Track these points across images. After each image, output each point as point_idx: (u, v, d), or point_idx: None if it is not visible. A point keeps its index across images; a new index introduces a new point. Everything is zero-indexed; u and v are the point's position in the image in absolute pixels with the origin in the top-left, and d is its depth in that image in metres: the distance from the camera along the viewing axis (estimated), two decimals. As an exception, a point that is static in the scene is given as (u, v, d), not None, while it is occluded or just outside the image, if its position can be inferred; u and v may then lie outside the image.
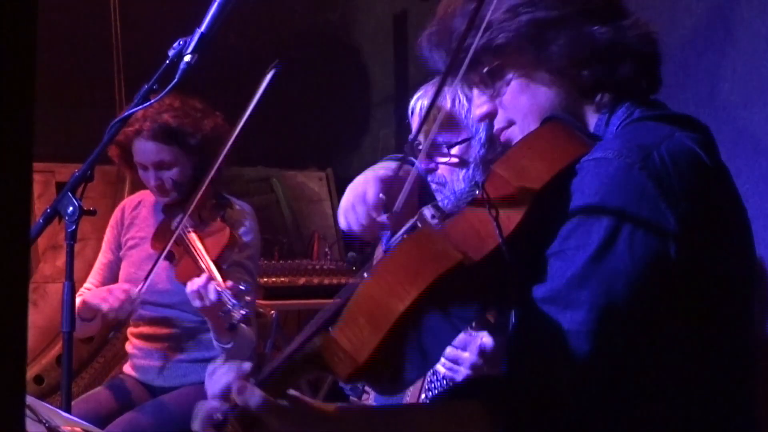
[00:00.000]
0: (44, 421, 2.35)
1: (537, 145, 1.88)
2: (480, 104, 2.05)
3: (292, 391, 1.80)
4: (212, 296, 3.48)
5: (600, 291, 1.71)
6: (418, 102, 3.07)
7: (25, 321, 0.92)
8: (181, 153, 3.92)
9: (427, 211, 2.85)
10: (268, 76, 3.49)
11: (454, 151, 2.93)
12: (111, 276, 4.15)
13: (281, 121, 5.38)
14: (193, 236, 3.81)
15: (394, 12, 5.87)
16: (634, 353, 1.77)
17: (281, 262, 5.29)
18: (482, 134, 2.99)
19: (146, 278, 3.79)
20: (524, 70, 1.95)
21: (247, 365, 1.82)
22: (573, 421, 1.76)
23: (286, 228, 5.67)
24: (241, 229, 3.99)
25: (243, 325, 3.69)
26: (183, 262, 3.76)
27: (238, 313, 3.41)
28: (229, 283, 3.52)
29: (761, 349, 2.03)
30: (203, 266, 3.65)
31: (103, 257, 4.19)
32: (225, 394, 1.79)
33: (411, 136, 3.08)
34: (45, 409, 2.38)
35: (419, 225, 2.06)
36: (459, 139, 2.92)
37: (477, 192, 1.81)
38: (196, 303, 3.55)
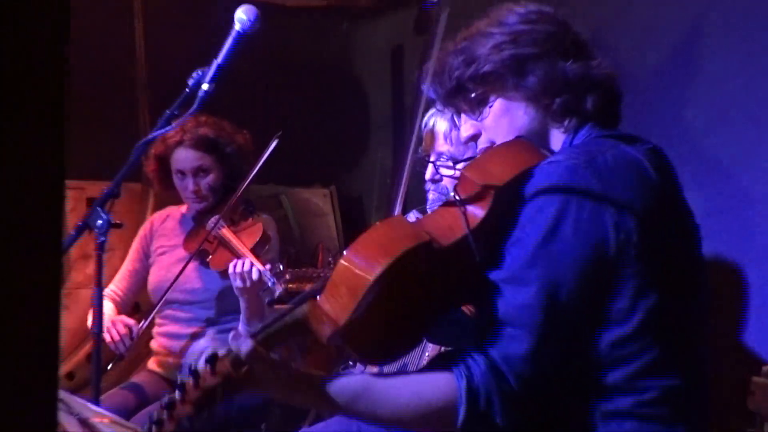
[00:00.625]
0: (76, 413, 2.34)
1: (500, 152, 2.02)
2: (467, 128, 2.16)
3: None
4: (254, 276, 3.58)
5: (548, 270, 1.80)
6: (431, 119, 3.13)
7: (58, 323, 0.92)
8: (216, 161, 4.00)
9: (412, 215, 2.92)
10: (272, 145, 3.64)
11: (459, 166, 2.98)
12: (134, 283, 4.18)
13: (289, 144, 5.38)
14: (226, 231, 3.84)
15: (391, 45, 5.89)
16: (582, 325, 1.85)
17: (289, 269, 5.29)
18: None
19: (176, 278, 3.87)
20: (505, 97, 2.06)
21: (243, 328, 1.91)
22: (532, 387, 1.81)
23: (294, 239, 5.66)
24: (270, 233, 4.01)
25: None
26: (218, 252, 3.82)
27: (277, 288, 3.46)
28: (268, 265, 3.60)
29: (704, 339, 2.03)
30: (241, 253, 3.69)
31: (129, 265, 4.19)
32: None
33: (421, 148, 3.14)
34: (76, 402, 2.38)
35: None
36: (464, 157, 2.99)
37: (451, 194, 1.95)
38: (238, 283, 3.63)
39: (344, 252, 1.85)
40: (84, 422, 2.35)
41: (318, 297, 1.85)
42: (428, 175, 3.17)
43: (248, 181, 3.81)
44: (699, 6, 3.74)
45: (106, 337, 3.71)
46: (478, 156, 2.03)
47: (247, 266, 3.58)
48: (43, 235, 0.88)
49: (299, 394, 1.90)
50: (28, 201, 0.86)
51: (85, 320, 3.87)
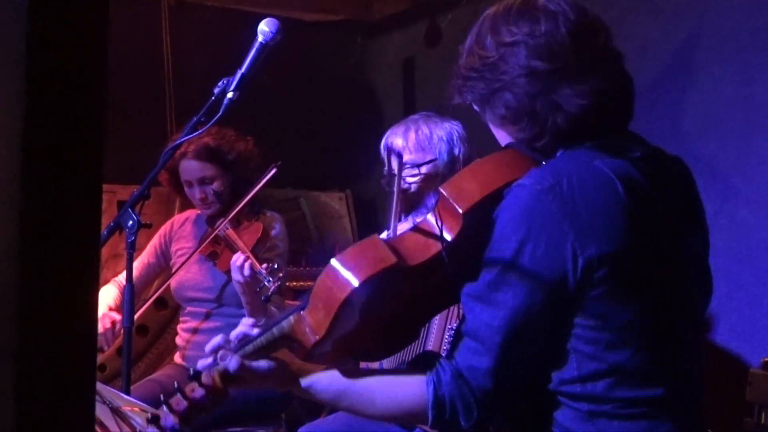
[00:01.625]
0: (107, 402, 2.35)
1: (478, 170, 1.94)
2: None
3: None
4: (247, 272, 3.57)
5: (509, 295, 1.77)
6: (389, 140, 3.28)
7: (95, 316, 0.92)
8: (220, 169, 3.99)
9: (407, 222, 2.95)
10: (270, 173, 3.70)
11: (423, 170, 3.14)
12: (145, 275, 4.23)
13: (307, 149, 5.40)
14: (231, 233, 3.86)
15: (403, 57, 5.90)
16: (548, 343, 1.81)
17: (307, 268, 5.33)
18: (445, 155, 3.17)
19: (178, 268, 3.95)
20: (489, 120, 1.99)
21: (235, 334, 2.02)
22: (496, 398, 1.82)
23: (311, 240, 5.67)
24: (273, 232, 4.02)
25: (273, 308, 3.80)
26: (224, 255, 3.82)
27: (272, 286, 3.48)
28: (264, 264, 3.59)
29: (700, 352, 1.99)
30: (242, 251, 3.72)
31: (145, 258, 4.22)
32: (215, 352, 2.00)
33: (385, 170, 3.23)
34: (108, 391, 2.38)
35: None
36: (425, 160, 3.14)
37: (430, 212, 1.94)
38: (236, 276, 3.64)
39: (324, 268, 1.89)
40: (115, 411, 2.35)
41: (303, 310, 1.91)
42: (395, 188, 3.28)
43: (250, 195, 3.87)
44: (694, 18, 3.74)
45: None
46: (459, 172, 1.97)
47: (240, 261, 3.60)
48: (82, 235, 0.88)
49: (290, 388, 1.98)
50: (70, 203, 0.86)
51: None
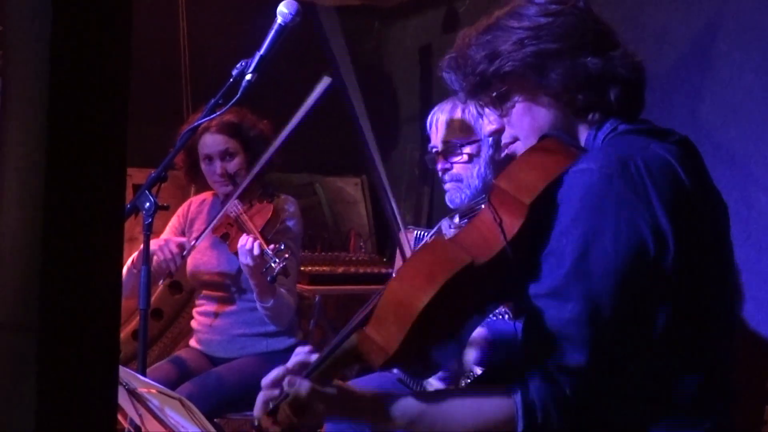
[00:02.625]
0: (124, 383, 2.35)
1: (531, 160, 1.89)
2: (490, 122, 2.06)
3: (336, 381, 1.85)
4: (256, 251, 3.56)
5: (590, 285, 1.71)
6: (434, 116, 3.15)
7: (119, 298, 0.92)
8: (241, 145, 4.00)
9: (445, 223, 2.88)
10: (323, 86, 3.53)
11: (466, 150, 3.03)
12: None
13: (324, 135, 5.40)
14: (243, 216, 3.85)
15: (420, 44, 5.88)
16: (626, 336, 1.76)
17: (323, 253, 5.33)
18: (489, 139, 3.07)
19: (197, 239, 3.87)
20: (527, 95, 1.96)
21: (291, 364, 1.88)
22: (588, 396, 1.76)
23: (327, 225, 5.67)
24: (285, 214, 4.02)
25: (282, 290, 3.81)
26: (236, 236, 3.81)
27: (277, 266, 3.47)
28: (272, 245, 3.59)
29: (736, 338, 2.00)
30: (251, 233, 3.72)
31: (165, 237, 4.21)
32: (277, 384, 1.87)
33: (430, 145, 3.15)
34: (124, 373, 2.39)
35: (446, 230, 2.10)
36: (470, 140, 3.02)
37: (483, 205, 1.88)
38: (242, 260, 3.63)
39: (388, 282, 1.80)
40: (132, 392, 2.35)
41: (365, 327, 1.80)
42: (439, 165, 3.17)
43: (266, 158, 3.73)
44: (713, 5, 3.71)
45: (158, 255, 3.73)
46: (509, 165, 1.94)
47: (249, 244, 3.59)
48: (105, 217, 0.88)
49: (362, 418, 1.90)
50: (93, 185, 0.86)
51: (131, 299, 3.88)
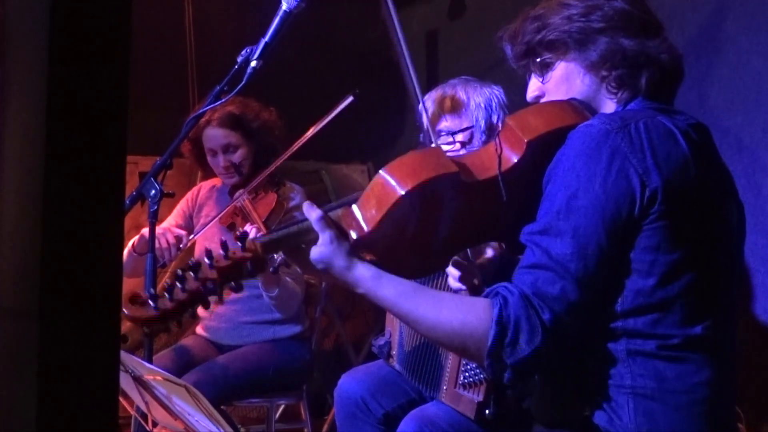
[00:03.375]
0: (130, 370, 2.35)
1: (544, 107, 2.08)
2: (533, 88, 2.17)
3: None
4: None
5: (580, 221, 1.84)
6: (427, 103, 3.13)
7: (120, 281, 0.91)
8: (244, 137, 4.00)
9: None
10: (347, 102, 3.60)
11: (459, 137, 3.03)
12: None
13: (330, 122, 5.41)
14: (248, 205, 3.86)
15: (426, 30, 5.87)
16: (610, 274, 1.87)
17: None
18: (482, 123, 3.07)
19: (195, 234, 3.93)
20: (566, 64, 2.09)
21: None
22: (562, 326, 1.83)
23: (333, 213, 5.68)
24: (290, 203, 4.02)
25: (288, 279, 3.82)
26: (241, 227, 3.81)
27: (279, 257, 3.48)
28: None
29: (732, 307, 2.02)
30: (255, 222, 3.75)
31: (173, 220, 4.20)
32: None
33: (420, 133, 3.16)
34: (131, 360, 2.39)
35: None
36: (461, 128, 3.02)
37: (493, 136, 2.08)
38: None
39: (381, 169, 1.95)
40: (137, 379, 2.36)
41: (353, 204, 1.98)
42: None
43: (282, 158, 3.83)
44: (722, -10, 3.70)
45: (156, 244, 3.74)
46: (525, 108, 2.08)
47: (254, 232, 3.60)
48: (105, 203, 0.87)
49: (355, 274, 1.97)
50: (93, 172, 0.86)
51: (137, 286, 3.88)
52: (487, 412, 2.73)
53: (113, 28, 0.88)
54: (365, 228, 1.94)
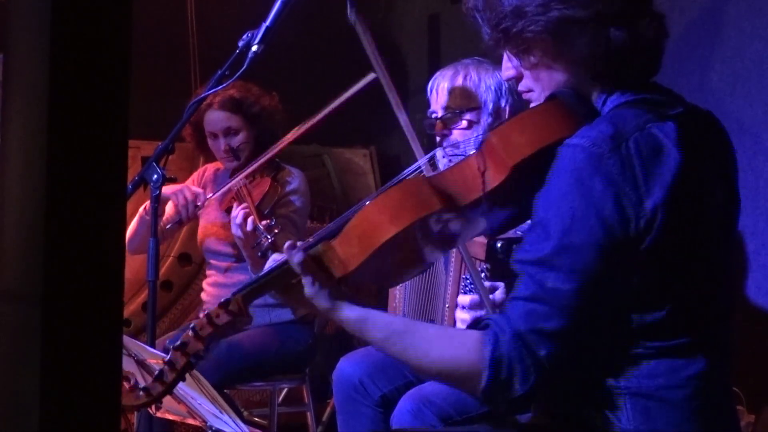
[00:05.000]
0: (133, 354, 2.37)
1: (529, 122, 1.94)
2: (507, 68, 2.06)
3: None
4: (249, 226, 3.62)
5: (576, 258, 1.76)
6: (436, 81, 3.16)
7: (122, 272, 0.92)
8: (244, 121, 4.02)
9: (440, 152, 2.92)
10: (367, 79, 3.60)
11: (467, 117, 3.05)
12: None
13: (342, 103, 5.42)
14: (244, 189, 3.88)
15: (428, 14, 5.86)
16: (609, 305, 1.81)
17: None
18: (490, 105, 3.08)
19: (213, 194, 3.95)
20: (548, 56, 1.95)
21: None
22: (558, 362, 1.79)
23: (336, 197, 5.67)
24: (288, 187, 4.05)
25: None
26: None
27: (267, 242, 3.50)
28: (264, 221, 3.62)
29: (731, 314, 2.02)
30: (248, 206, 3.75)
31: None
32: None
33: (429, 110, 3.15)
34: (133, 344, 2.41)
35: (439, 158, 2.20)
36: (470, 107, 3.03)
37: (472, 151, 1.95)
38: (234, 230, 3.69)
39: (365, 204, 1.89)
40: (140, 363, 2.37)
41: (333, 239, 1.91)
42: (438, 131, 3.19)
43: (284, 143, 3.84)
44: (724, -28, 3.70)
45: (173, 200, 3.77)
46: (507, 120, 2.00)
47: (240, 218, 3.64)
48: (108, 188, 0.88)
49: (340, 316, 1.93)
50: (96, 157, 0.86)
51: (140, 271, 3.89)
52: None
53: (115, 12, 0.88)
54: (348, 267, 1.89)
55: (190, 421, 2.53)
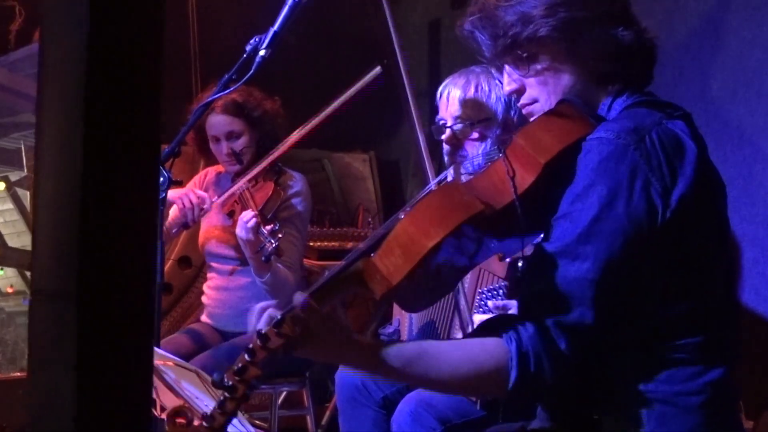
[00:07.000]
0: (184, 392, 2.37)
1: (552, 122, 1.94)
2: (510, 82, 2.07)
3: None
4: (251, 230, 3.63)
5: (602, 246, 1.78)
6: (446, 88, 3.15)
7: (155, 270, 0.94)
8: (246, 125, 4.03)
9: (458, 167, 2.92)
10: (373, 73, 3.59)
11: (477, 128, 3.04)
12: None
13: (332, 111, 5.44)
14: (247, 193, 3.89)
15: (428, 19, 5.89)
16: (629, 298, 1.82)
17: (331, 229, 5.36)
18: (500, 116, 3.08)
19: (218, 197, 3.95)
20: (555, 59, 1.99)
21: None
22: (582, 353, 1.81)
23: (335, 201, 5.70)
24: (289, 191, 4.05)
25: (279, 265, 3.83)
26: (240, 212, 3.84)
27: (271, 246, 3.52)
28: (269, 226, 3.64)
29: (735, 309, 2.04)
30: (251, 210, 3.76)
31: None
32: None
33: (438, 116, 3.16)
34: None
35: (450, 177, 2.16)
36: (480, 118, 3.03)
37: (499, 155, 1.91)
38: (239, 233, 3.69)
39: (402, 215, 1.85)
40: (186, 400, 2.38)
41: (372, 255, 1.84)
42: (447, 139, 3.18)
43: (283, 148, 3.84)
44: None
45: (178, 204, 3.79)
46: (530, 123, 1.97)
47: (245, 218, 3.66)
48: (142, 188, 0.90)
49: (354, 355, 1.89)
50: (131, 156, 0.88)
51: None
52: None
53: (150, 7, 0.90)
54: (392, 281, 1.80)
55: (196, 422, 2.53)
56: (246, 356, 1.81)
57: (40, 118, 0.89)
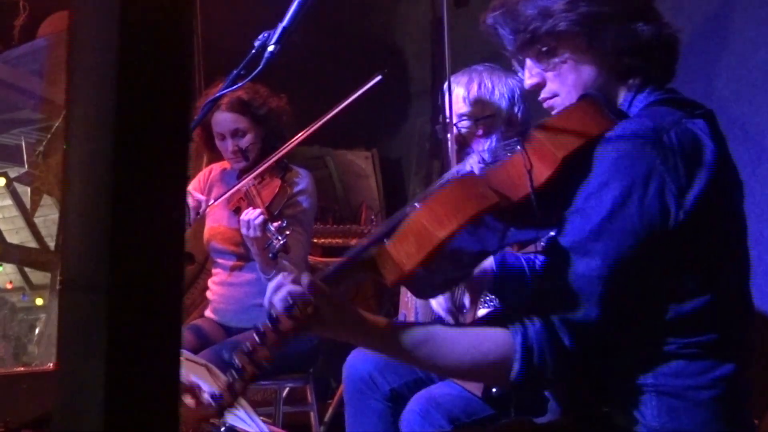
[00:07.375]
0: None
1: (571, 118, 1.94)
2: (531, 75, 2.08)
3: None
4: (258, 222, 3.65)
5: (612, 244, 1.78)
6: (450, 88, 3.15)
7: (183, 263, 0.94)
8: (251, 122, 4.04)
9: (475, 158, 2.92)
10: (374, 80, 3.61)
11: (481, 125, 3.06)
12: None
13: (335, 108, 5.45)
14: (253, 190, 3.90)
15: (431, 17, 5.89)
16: (638, 297, 1.83)
17: (335, 226, 5.37)
18: (504, 112, 3.09)
19: (215, 200, 3.97)
20: (576, 53, 2.00)
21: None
22: (586, 350, 1.81)
23: (338, 198, 5.70)
24: (295, 188, 4.06)
25: (285, 261, 3.83)
26: (246, 209, 3.85)
27: (279, 243, 3.51)
28: (276, 223, 3.64)
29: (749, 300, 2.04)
30: (258, 207, 3.78)
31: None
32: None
33: (442, 115, 3.17)
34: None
35: (466, 168, 2.17)
36: (484, 115, 3.05)
37: (517, 148, 1.92)
38: (244, 231, 3.70)
39: (417, 204, 1.85)
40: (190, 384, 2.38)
41: (386, 241, 1.85)
42: (451, 137, 3.19)
43: (290, 145, 3.83)
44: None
45: None
46: (550, 118, 1.98)
47: (252, 215, 3.66)
48: (170, 186, 0.91)
49: (364, 335, 1.91)
50: (161, 149, 0.89)
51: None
52: (494, 390, 2.77)
53: (179, 20, 0.91)
54: (404, 270, 1.81)
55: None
56: (256, 338, 1.84)
57: (70, 109, 0.89)
